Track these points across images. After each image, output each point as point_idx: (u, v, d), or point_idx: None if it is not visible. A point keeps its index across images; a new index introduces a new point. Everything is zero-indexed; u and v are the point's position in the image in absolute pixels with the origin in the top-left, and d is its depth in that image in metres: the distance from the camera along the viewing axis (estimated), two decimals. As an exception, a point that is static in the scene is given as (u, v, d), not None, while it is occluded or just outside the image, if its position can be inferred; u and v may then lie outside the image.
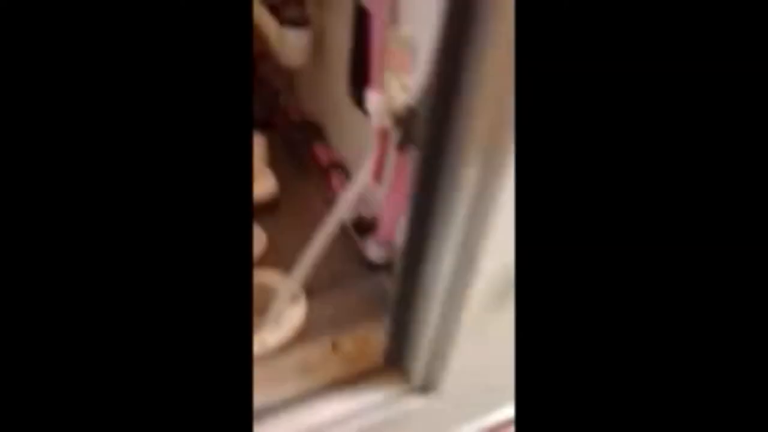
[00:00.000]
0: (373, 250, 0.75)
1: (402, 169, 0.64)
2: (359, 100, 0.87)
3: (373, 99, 0.70)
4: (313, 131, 1.08)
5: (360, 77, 0.85)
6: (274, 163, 1.07)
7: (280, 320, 0.78)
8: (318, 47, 0.93)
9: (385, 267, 0.79)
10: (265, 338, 0.75)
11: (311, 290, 0.82)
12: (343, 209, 0.75)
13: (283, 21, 0.83)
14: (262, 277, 0.85)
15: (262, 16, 1.02)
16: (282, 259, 0.89)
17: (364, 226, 0.83)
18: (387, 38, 0.66)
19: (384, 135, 0.67)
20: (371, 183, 0.70)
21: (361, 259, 0.87)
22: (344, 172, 0.99)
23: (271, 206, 1.00)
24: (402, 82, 0.66)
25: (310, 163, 1.08)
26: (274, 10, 1.01)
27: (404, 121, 0.57)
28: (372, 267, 0.78)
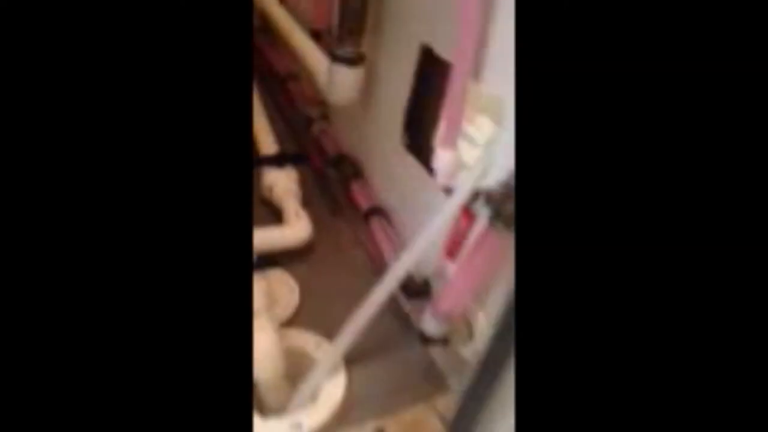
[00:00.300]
0: (430, 324, 0.66)
1: (483, 246, 0.56)
2: (415, 149, 0.79)
3: (444, 158, 0.61)
4: (350, 167, 0.99)
5: (420, 126, 0.77)
6: (306, 201, 0.98)
7: (317, 397, 0.69)
8: (366, 84, 0.84)
9: (441, 340, 0.70)
10: (301, 421, 0.66)
11: (351, 360, 0.73)
12: (395, 277, 0.66)
13: (336, 58, 0.74)
14: (296, 339, 0.76)
15: (304, 45, 0.94)
16: (316, 315, 0.81)
17: (413, 289, 0.74)
18: (467, 95, 0.57)
19: (465, 210, 0.58)
20: (445, 259, 0.62)
21: (408, 324, 0.79)
22: (385, 217, 0.90)
23: (305, 252, 0.91)
24: (481, 147, 0.58)
25: (345, 201, 0.99)
26: (318, 38, 0.93)
27: (499, 199, 0.49)
28: (425, 340, 0.69)
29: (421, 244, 0.64)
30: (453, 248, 0.60)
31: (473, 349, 0.67)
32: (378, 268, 0.89)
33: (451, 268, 0.63)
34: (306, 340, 0.76)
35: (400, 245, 0.84)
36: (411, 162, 0.80)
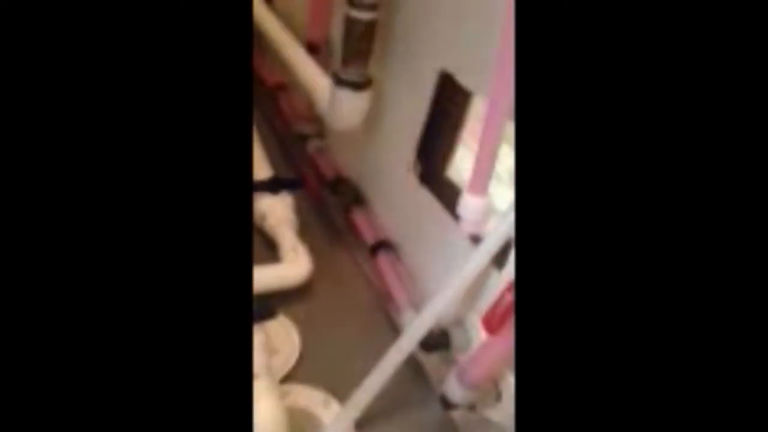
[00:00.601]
0: (455, 392, 0.59)
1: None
2: (428, 179, 0.71)
3: (472, 204, 0.53)
4: (350, 192, 0.91)
5: (434, 155, 0.69)
6: (303, 228, 0.90)
7: (326, 469, 0.61)
8: (371, 105, 0.76)
9: (466, 406, 0.62)
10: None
11: (362, 422, 0.65)
12: (414, 338, 0.59)
13: (341, 82, 0.65)
14: (300, 398, 0.68)
15: (299, 60, 0.85)
16: (319, 363, 0.73)
17: (432, 342, 0.66)
18: (500, 137, 0.49)
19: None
20: (485, 335, 0.54)
21: (422, 376, 0.71)
22: (393, 251, 0.82)
23: (304, 289, 0.82)
24: (506, 184, 0.50)
25: (345, 228, 0.91)
26: (315, 51, 0.84)
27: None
28: (448, 405, 0.61)
29: (444, 300, 0.57)
30: (496, 325, 0.52)
31: (501, 411, 0.60)
32: (385, 306, 0.81)
33: (482, 333, 0.56)
34: (311, 398, 0.68)
35: (410, 283, 0.76)
36: (422, 192, 0.72)
